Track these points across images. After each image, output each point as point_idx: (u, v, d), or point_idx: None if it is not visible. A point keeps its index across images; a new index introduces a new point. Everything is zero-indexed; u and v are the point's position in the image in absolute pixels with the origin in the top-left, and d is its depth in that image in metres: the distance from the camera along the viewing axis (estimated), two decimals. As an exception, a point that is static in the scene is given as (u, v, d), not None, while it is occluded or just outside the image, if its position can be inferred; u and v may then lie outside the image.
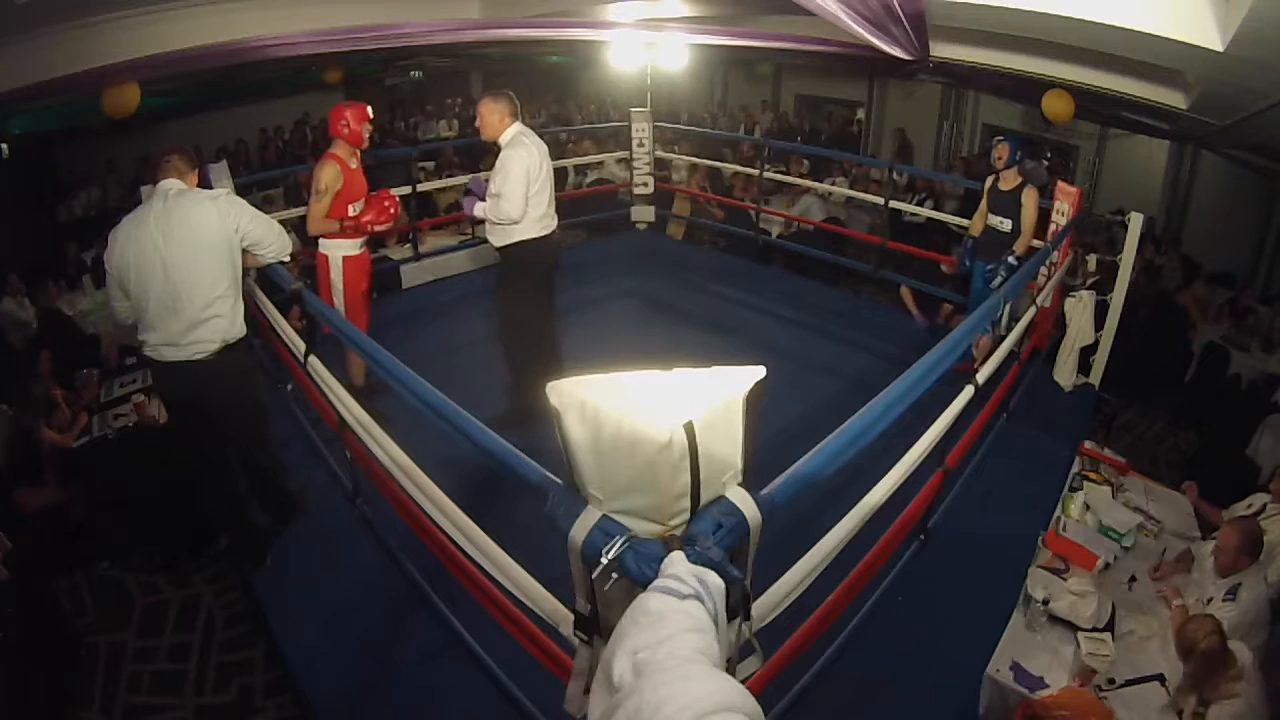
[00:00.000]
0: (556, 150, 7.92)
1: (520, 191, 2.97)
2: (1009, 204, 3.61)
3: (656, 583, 0.88)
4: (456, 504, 1.75)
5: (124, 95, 4.13)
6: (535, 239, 3.11)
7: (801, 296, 5.12)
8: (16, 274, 4.94)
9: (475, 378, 3.59)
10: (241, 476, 2.66)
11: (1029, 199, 3.57)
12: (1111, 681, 2.13)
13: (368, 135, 3.14)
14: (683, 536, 1.01)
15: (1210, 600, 2.29)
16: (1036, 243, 3.68)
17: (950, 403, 2.22)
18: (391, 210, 3.20)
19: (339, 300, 3.20)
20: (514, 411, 3.17)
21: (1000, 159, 3.62)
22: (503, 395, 3.38)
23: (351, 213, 3.11)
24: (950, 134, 9.02)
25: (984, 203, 3.76)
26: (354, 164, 3.15)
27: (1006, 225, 3.64)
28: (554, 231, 3.21)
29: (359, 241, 3.21)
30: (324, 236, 3.15)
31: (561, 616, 1.36)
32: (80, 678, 2.63)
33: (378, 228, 3.19)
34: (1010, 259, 3.54)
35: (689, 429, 0.94)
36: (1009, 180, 3.64)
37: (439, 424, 1.60)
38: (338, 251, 3.15)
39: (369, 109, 3.18)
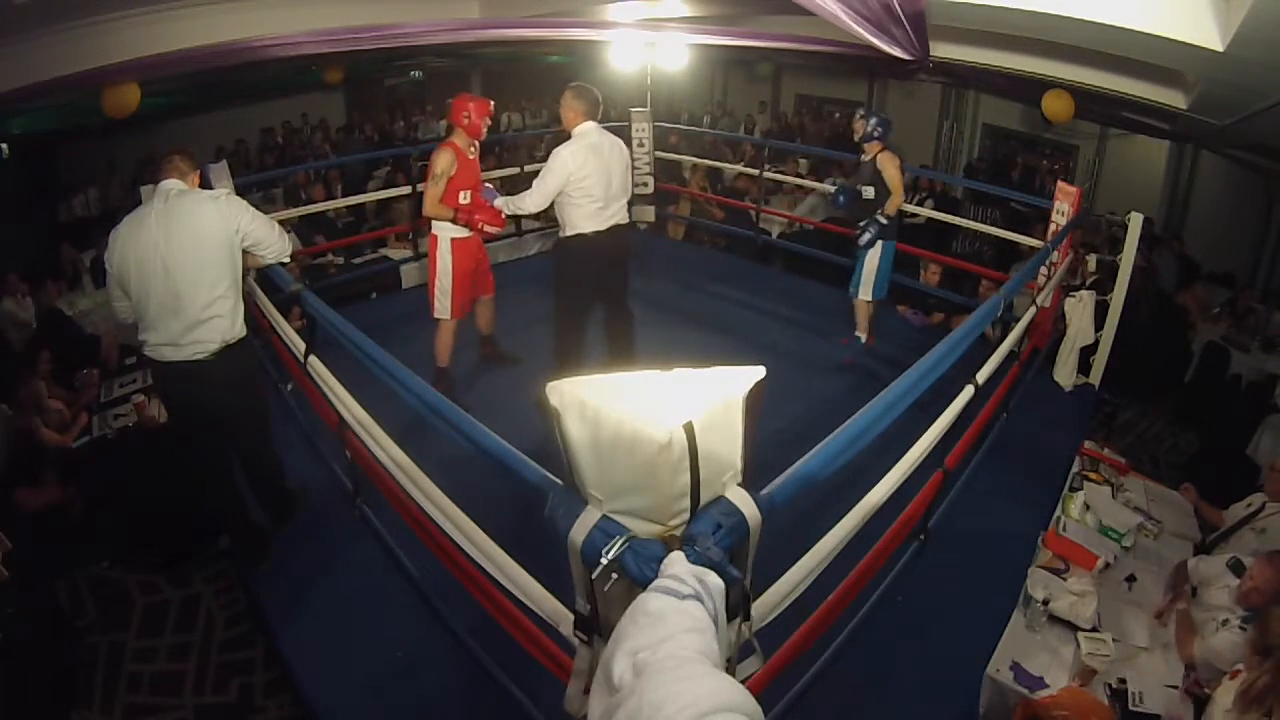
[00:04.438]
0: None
1: (546, 188, 3.10)
2: (869, 171, 3.83)
3: (656, 583, 0.88)
4: (456, 504, 1.75)
5: (124, 95, 4.13)
6: (587, 234, 3.18)
7: (801, 296, 5.12)
8: (16, 274, 4.94)
9: (475, 378, 3.60)
10: (241, 476, 2.67)
11: (888, 164, 3.76)
12: (1123, 681, 2.12)
13: (486, 128, 3.34)
14: (682, 536, 1.01)
15: (1225, 622, 2.19)
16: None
17: (950, 403, 2.22)
18: (503, 216, 3.34)
19: (446, 278, 3.39)
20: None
21: (859, 132, 3.88)
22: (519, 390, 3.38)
23: (463, 200, 3.30)
24: (950, 134, 9.03)
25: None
26: (472, 153, 3.36)
27: (870, 192, 3.84)
28: (612, 229, 3.23)
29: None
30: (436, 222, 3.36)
31: (561, 616, 1.36)
32: (80, 678, 2.63)
33: (489, 229, 3.33)
34: (879, 216, 3.79)
35: (689, 429, 0.94)
36: (869, 150, 3.86)
37: (439, 424, 1.61)
38: (446, 233, 3.36)
39: (491, 104, 3.37)
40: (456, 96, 3.37)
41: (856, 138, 3.94)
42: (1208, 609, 2.31)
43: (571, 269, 3.33)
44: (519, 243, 5.68)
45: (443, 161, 3.23)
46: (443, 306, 3.45)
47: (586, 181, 3.12)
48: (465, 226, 3.30)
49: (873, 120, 3.84)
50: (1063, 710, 1.90)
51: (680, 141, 7.78)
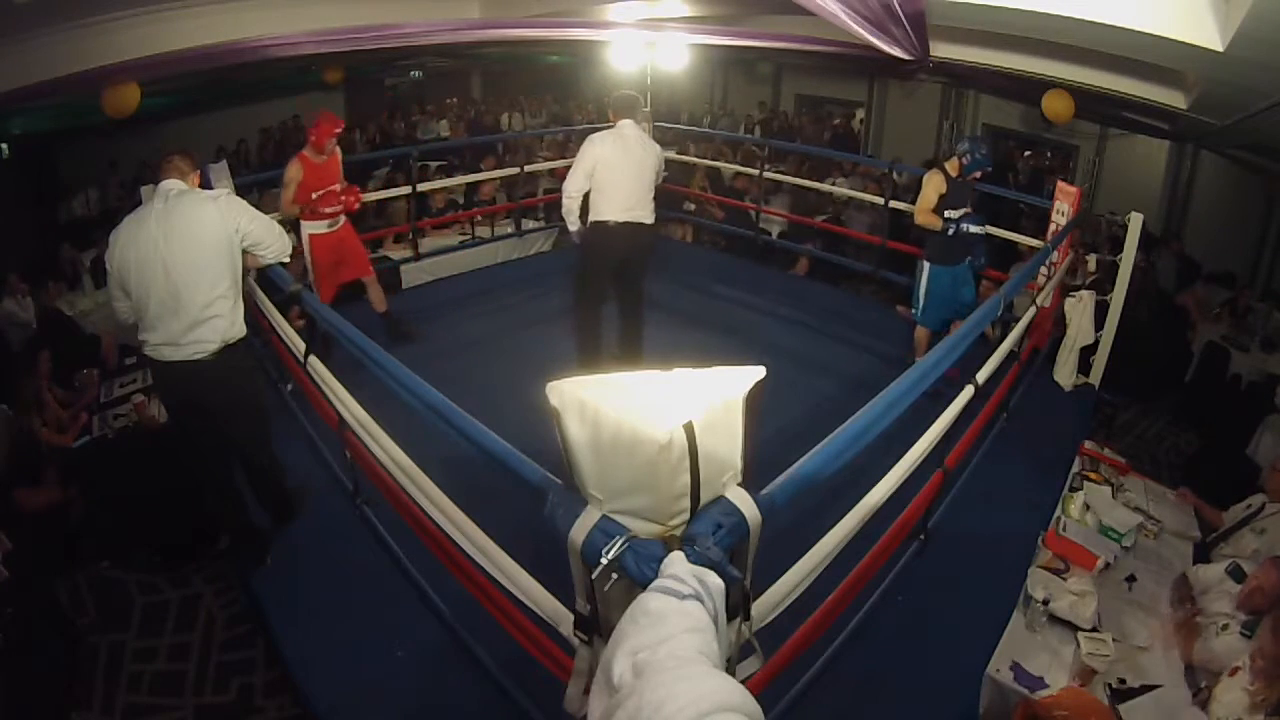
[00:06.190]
0: (556, 150, 7.99)
1: (580, 169, 3.41)
2: (968, 194, 3.73)
3: (656, 583, 0.88)
4: (456, 504, 1.75)
5: (124, 95, 4.13)
6: (609, 223, 3.43)
7: (801, 296, 5.12)
8: (17, 274, 4.94)
9: (475, 377, 3.60)
10: (241, 476, 2.67)
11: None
12: (1123, 681, 2.11)
13: (328, 141, 3.70)
14: (683, 536, 1.01)
15: (1226, 627, 2.20)
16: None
17: (950, 403, 2.21)
18: (348, 199, 3.80)
19: (311, 268, 3.81)
20: None
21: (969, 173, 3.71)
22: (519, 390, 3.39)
23: (314, 197, 3.69)
24: (950, 134, 9.02)
25: (941, 199, 3.65)
26: (320, 160, 3.72)
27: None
28: (633, 223, 3.45)
29: (326, 223, 3.78)
30: (299, 219, 3.76)
31: (561, 616, 1.36)
32: (80, 678, 2.63)
33: (327, 209, 3.73)
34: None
35: (689, 429, 0.94)
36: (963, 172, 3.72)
37: (439, 424, 1.60)
38: (306, 230, 3.77)
39: (337, 125, 3.73)
40: (317, 115, 3.75)
41: (960, 173, 3.72)
42: (1208, 615, 2.30)
43: (592, 256, 3.55)
44: (520, 242, 5.68)
45: (290, 170, 3.67)
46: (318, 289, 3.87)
47: (612, 171, 3.37)
48: (316, 216, 3.72)
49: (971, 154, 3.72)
50: (1063, 710, 1.90)
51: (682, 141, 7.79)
